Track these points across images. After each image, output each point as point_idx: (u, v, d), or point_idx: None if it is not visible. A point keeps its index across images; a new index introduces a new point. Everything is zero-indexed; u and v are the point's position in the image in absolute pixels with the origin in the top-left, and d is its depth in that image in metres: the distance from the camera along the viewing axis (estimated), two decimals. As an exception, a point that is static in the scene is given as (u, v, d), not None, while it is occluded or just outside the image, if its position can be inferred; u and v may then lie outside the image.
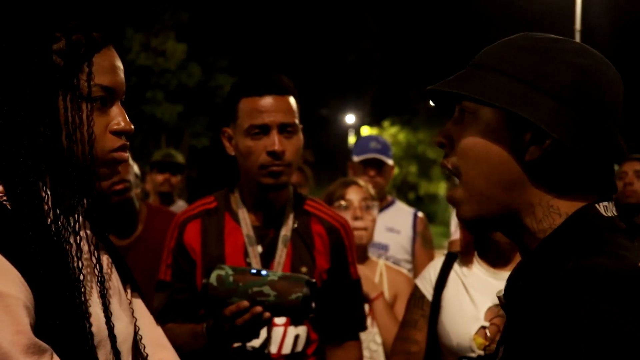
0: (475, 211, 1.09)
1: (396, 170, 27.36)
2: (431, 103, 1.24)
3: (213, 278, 1.85)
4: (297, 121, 2.06)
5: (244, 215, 2.09)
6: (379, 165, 3.86)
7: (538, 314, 0.97)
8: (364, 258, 2.79)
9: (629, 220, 3.71)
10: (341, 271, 2.18)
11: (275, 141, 1.99)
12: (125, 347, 1.28)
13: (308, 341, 2.10)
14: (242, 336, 1.88)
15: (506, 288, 1.11)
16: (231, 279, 1.84)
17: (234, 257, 2.04)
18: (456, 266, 2.07)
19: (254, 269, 1.90)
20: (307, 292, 1.82)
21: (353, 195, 2.75)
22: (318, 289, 1.88)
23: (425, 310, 2.05)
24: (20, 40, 1.16)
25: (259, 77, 2.07)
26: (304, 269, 2.06)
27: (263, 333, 2.01)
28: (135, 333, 1.36)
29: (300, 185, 4.61)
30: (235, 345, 1.99)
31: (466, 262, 2.05)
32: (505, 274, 1.98)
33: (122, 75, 1.25)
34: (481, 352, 1.88)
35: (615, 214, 1.06)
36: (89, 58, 1.18)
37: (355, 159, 3.92)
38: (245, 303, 1.79)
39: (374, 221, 2.78)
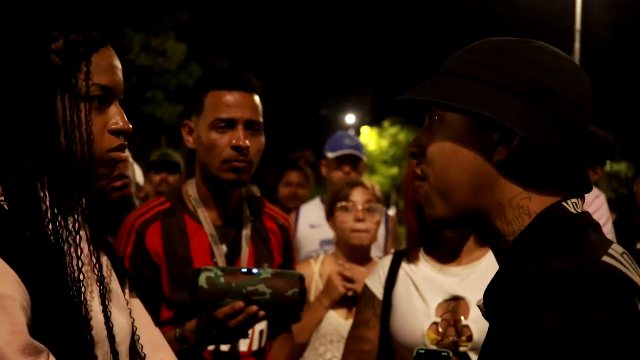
0: (442, 211, 1.09)
1: (396, 170, 27.10)
2: (403, 115, 1.25)
3: (202, 280, 1.76)
4: (262, 120, 2.05)
5: (204, 215, 2.04)
6: (353, 162, 3.89)
7: (506, 322, 0.97)
8: (365, 259, 2.79)
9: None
10: (287, 266, 2.20)
11: (240, 136, 1.97)
12: (123, 348, 1.27)
13: (267, 335, 2.11)
14: (231, 338, 1.83)
15: (484, 295, 1.11)
16: (222, 279, 1.76)
17: (201, 257, 1.99)
18: (404, 264, 2.09)
19: (243, 268, 1.86)
20: (302, 287, 1.80)
21: (357, 196, 2.74)
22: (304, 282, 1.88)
23: (377, 309, 2.07)
24: (18, 39, 1.16)
25: (228, 72, 2.05)
26: (265, 265, 2.04)
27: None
28: (133, 334, 1.35)
29: (301, 185, 4.62)
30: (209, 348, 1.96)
31: (413, 259, 2.07)
32: (452, 269, 2.02)
33: (120, 74, 1.24)
34: (434, 347, 1.90)
35: (583, 209, 1.06)
36: (87, 57, 1.18)
37: (330, 155, 3.93)
38: (241, 303, 1.75)
39: (377, 223, 2.76)
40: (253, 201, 2.18)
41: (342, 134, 4.28)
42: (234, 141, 1.96)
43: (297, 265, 2.52)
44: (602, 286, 0.91)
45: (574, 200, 1.05)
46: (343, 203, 2.74)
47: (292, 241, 2.26)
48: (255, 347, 2.05)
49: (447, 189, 1.07)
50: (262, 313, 1.77)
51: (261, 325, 2.06)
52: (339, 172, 3.87)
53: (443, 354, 1.84)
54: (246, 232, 2.08)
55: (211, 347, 1.97)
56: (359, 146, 4.00)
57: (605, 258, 0.95)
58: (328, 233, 3.72)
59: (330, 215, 2.82)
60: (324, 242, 3.77)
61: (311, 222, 3.88)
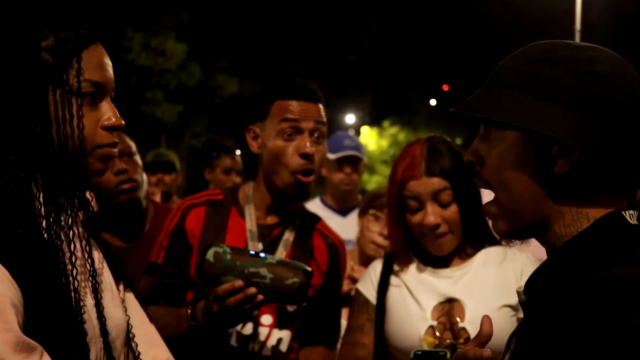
0: (509, 226, 1.12)
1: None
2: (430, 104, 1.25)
3: (210, 254, 1.81)
4: (326, 130, 2.10)
5: (250, 211, 2.09)
6: (354, 163, 3.88)
7: (568, 319, 0.98)
8: None
9: None
10: (333, 289, 2.19)
11: (307, 143, 2.01)
12: (117, 344, 1.28)
13: (290, 348, 2.09)
14: (230, 319, 1.84)
15: (526, 285, 1.12)
16: (229, 256, 1.81)
17: None
18: (396, 268, 2.06)
19: (252, 250, 1.89)
20: (304, 280, 1.80)
21: None
22: (311, 278, 1.88)
23: (371, 314, 2.05)
24: (9, 38, 1.16)
25: (296, 82, 2.09)
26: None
27: (248, 330, 2.00)
28: (128, 330, 1.35)
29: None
30: (219, 339, 1.98)
31: (404, 263, 2.05)
32: (444, 271, 2.00)
33: (111, 71, 1.25)
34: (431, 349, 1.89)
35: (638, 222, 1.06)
36: (77, 54, 1.19)
37: (331, 156, 3.90)
38: (240, 282, 1.77)
39: None
40: (308, 216, 2.20)
41: (342, 134, 4.26)
42: (300, 149, 2.00)
43: None
44: None
45: (631, 212, 1.06)
46: (377, 213, 2.71)
47: (343, 264, 2.23)
48: (267, 352, 2.04)
49: (515, 206, 1.09)
50: (260, 297, 1.78)
51: (281, 334, 2.06)
52: (340, 174, 3.86)
53: (440, 353, 1.83)
54: (287, 238, 2.09)
55: (220, 341, 1.98)
56: (359, 146, 3.98)
57: None
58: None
59: (362, 212, 2.80)
60: None
61: None
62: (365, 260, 2.77)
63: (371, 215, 2.73)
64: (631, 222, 1.04)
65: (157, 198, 4.62)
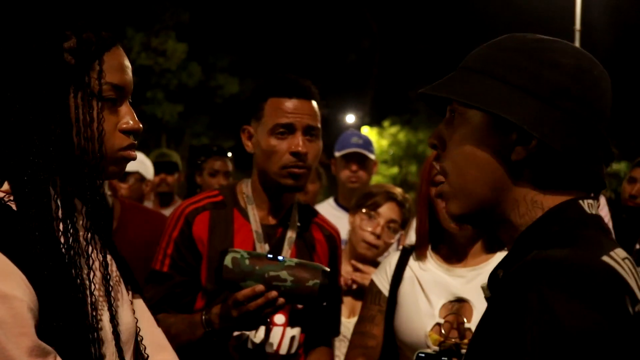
0: (462, 208, 1.11)
1: (396, 170, 27.02)
2: (425, 104, 1.25)
3: (228, 260, 1.81)
4: (320, 126, 2.09)
5: (253, 212, 2.09)
6: (361, 160, 3.86)
7: (495, 303, 1.00)
8: (369, 263, 2.77)
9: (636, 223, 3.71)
10: (333, 278, 2.20)
11: (299, 142, 2.02)
12: (127, 348, 1.27)
13: (299, 344, 2.12)
14: (249, 323, 1.85)
15: (489, 279, 1.12)
16: (247, 262, 1.81)
17: None
18: (411, 261, 2.09)
19: (269, 253, 1.89)
20: (325, 280, 1.82)
21: (386, 212, 2.69)
22: (332, 278, 1.89)
23: (382, 306, 2.08)
24: (31, 39, 1.16)
25: (288, 79, 2.10)
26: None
27: (261, 332, 2.01)
28: (136, 334, 1.35)
29: (312, 181, 4.62)
30: (234, 342, 1.98)
31: (420, 257, 2.07)
32: (458, 270, 2.01)
33: (130, 74, 1.25)
34: (436, 348, 1.91)
35: (598, 212, 1.08)
36: (99, 56, 1.19)
37: (337, 154, 3.91)
38: (261, 287, 1.78)
39: (388, 245, 2.75)
40: (304, 209, 2.21)
41: (351, 132, 4.25)
42: (292, 147, 2.01)
43: None
44: (593, 280, 0.92)
45: (590, 201, 1.07)
46: (371, 212, 2.70)
47: (339, 254, 2.27)
48: (283, 351, 2.05)
49: (467, 187, 1.09)
50: (281, 300, 1.80)
51: (293, 332, 2.08)
52: (346, 171, 3.85)
53: (443, 358, 1.84)
54: (291, 236, 2.11)
55: (236, 344, 1.98)
56: (367, 144, 3.94)
57: (604, 258, 0.96)
58: (341, 232, 3.72)
59: (354, 210, 2.79)
60: None
61: None
62: (357, 259, 2.76)
63: (364, 213, 2.72)
64: (589, 211, 1.05)
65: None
